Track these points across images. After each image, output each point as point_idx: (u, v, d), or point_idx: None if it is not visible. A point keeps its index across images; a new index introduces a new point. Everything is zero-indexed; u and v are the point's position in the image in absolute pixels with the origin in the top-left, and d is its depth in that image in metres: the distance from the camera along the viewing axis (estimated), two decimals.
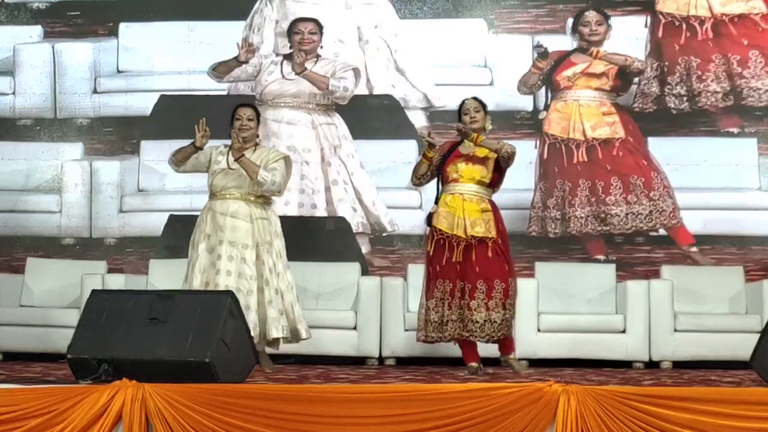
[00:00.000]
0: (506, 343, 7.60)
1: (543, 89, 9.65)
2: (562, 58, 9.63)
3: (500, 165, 7.53)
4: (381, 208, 9.66)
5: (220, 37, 9.78)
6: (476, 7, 9.90)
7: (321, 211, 9.58)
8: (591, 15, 9.64)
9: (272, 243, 7.50)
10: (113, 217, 10.01)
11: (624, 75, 9.56)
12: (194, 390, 5.64)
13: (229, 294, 6.38)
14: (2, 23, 10.23)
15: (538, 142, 9.60)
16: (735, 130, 9.60)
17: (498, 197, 7.71)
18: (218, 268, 7.37)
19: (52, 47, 10.19)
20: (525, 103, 9.76)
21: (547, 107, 9.63)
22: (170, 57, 10.09)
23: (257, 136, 7.69)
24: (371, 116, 9.83)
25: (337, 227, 9.62)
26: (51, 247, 9.96)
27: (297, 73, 9.39)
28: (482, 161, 7.52)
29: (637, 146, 9.54)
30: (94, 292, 6.59)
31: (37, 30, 10.25)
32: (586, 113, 9.55)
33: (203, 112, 9.07)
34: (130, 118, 10.08)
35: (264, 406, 5.58)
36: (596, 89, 9.55)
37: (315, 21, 9.64)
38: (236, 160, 7.42)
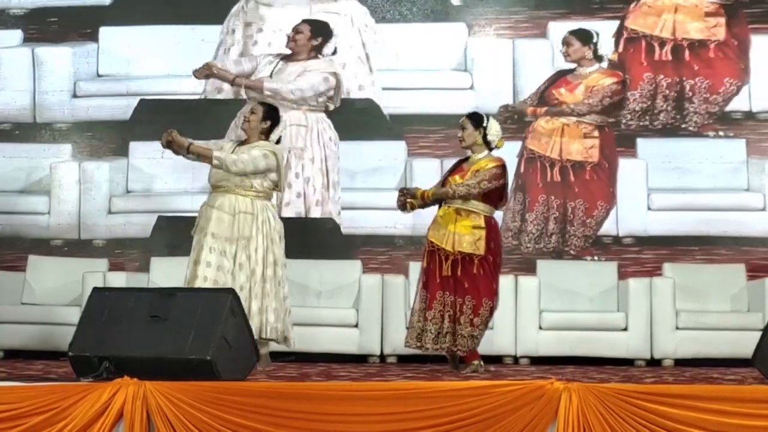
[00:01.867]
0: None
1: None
2: (561, 74, 9.69)
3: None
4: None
5: (199, 41, 9.85)
6: (458, 12, 9.91)
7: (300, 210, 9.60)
8: (565, 37, 9.68)
9: (251, 239, 7.40)
10: (102, 218, 10.01)
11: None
12: (195, 388, 5.64)
13: (230, 292, 6.38)
14: None
15: (521, 149, 9.64)
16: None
17: None
18: (199, 259, 7.34)
19: (32, 51, 10.20)
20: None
21: (534, 105, 9.66)
22: (151, 60, 10.08)
23: (264, 134, 7.60)
24: (357, 119, 9.85)
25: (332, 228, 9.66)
26: (40, 248, 9.92)
27: (231, 81, 9.61)
28: (475, 176, 7.46)
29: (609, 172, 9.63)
30: (95, 289, 6.59)
31: (17, 34, 10.25)
32: (567, 132, 9.57)
33: (183, 115, 9.22)
34: (111, 122, 10.07)
35: (265, 404, 5.58)
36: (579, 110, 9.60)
37: (305, 22, 9.71)
38: (187, 150, 7.36)
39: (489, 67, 9.83)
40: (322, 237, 9.61)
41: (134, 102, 10.00)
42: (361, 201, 9.79)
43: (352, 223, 9.72)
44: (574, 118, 9.63)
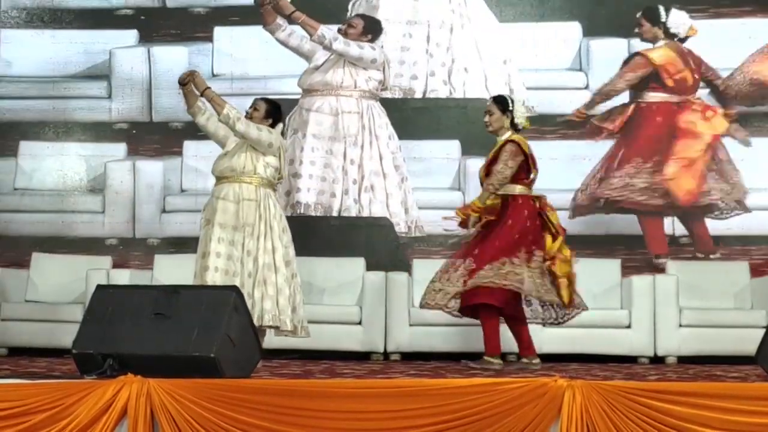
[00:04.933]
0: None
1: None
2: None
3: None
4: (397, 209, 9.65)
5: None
6: (571, 10, 9.91)
7: (338, 202, 9.53)
8: (637, 18, 9.67)
9: (255, 226, 7.41)
10: (156, 217, 10.03)
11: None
12: (199, 385, 5.64)
13: (233, 289, 6.38)
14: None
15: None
16: None
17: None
18: (208, 251, 7.34)
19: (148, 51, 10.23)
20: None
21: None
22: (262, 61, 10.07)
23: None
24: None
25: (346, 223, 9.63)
26: (94, 247, 9.93)
27: (288, 15, 9.40)
28: (497, 162, 7.56)
29: None
30: (99, 287, 6.60)
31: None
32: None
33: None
34: None
35: (269, 401, 5.58)
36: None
37: (359, 17, 9.67)
38: (202, 93, 7.38)
39: (605, 66, 9.81)
40: (375, 235, 9.57)
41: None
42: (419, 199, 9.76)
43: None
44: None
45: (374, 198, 9.54)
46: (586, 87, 9.84)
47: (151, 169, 10.09)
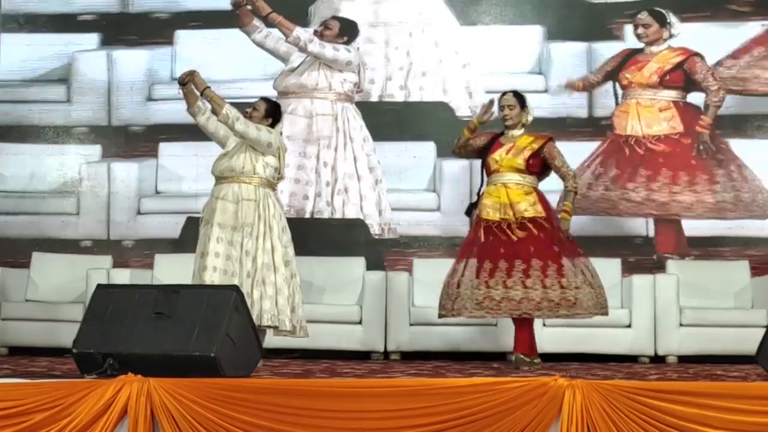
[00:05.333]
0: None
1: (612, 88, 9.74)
2: (628, 57, 9.67)
3: (545, 161, 7.63)
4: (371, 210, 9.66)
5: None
6: (533, 14, 9.90)
7: (310, 204, 9.54)
8: (640, 17, 9.68)
9: (254, 226, 7.39)
10: (130, 219, 10.02)
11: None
12: (199, 384, 5.64)
13: (234, 289, 6.38)
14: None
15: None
16: None
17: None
18: (207, 250, 7.33)
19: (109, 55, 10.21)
20: (579, 109, 9.77)
21: (598, 82, 9.72)
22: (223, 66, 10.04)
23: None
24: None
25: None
26: (69, 249, 9.90)
27: (265, 16, 9.42)
28: (521, 151, 7.58)
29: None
30: (99, 286, 6.60)
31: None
32: (643, 111, 9.58)
33: None
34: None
35: (269, 401, 5.58)
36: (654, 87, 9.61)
37: (336, 18, 9.71)
38: (202, 92, 7.40)
39: (563, 69, 9.82)
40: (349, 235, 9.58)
41: None
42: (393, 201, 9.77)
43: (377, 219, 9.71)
44: (648, 96, 9.63)
45: (348, 200, 9.57)
46: (546, 90, 9.84)
47: (126, 170, 10.08)
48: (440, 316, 7.70)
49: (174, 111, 9.38)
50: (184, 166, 9.87)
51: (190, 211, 9.68)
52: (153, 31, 10.18)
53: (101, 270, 9.12)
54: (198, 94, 7.49)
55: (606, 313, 7.61)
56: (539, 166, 7.64)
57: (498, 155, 7.61)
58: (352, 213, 9.57)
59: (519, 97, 7.72)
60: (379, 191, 9.66)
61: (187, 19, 10.17)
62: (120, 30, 10.23)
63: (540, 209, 7.53)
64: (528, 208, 7.50)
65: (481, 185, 7.74)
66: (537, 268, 7.42)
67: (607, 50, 9.76)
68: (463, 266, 7.58)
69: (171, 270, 8.91)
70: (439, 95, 9.82)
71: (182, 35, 10.18)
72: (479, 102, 9.39)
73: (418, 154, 9.81)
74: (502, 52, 9.87)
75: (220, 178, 7.49)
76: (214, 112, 7.44)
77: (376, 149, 9.69)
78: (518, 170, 7.57)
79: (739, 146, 9.59)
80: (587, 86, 9.77)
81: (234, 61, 9.91)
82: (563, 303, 7.42)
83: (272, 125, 7.52)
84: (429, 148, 9.80)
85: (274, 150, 7.44)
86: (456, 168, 9.58)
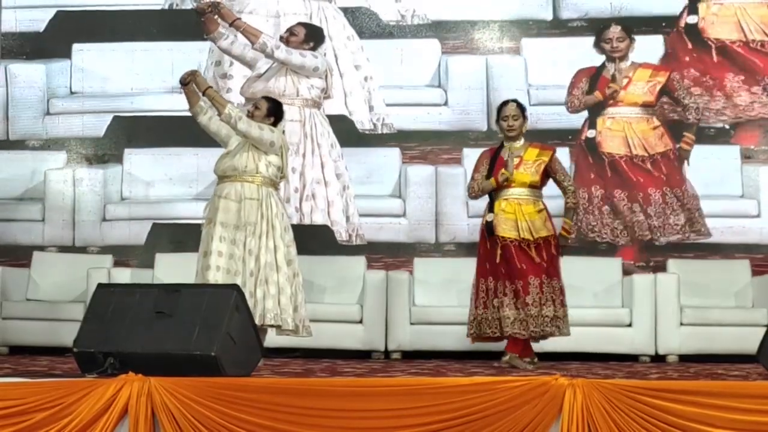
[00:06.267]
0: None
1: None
2: (597, 76, 9.63)
3: (548, 173, 7.63)
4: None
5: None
6: (429, 29, 9.92)
7: None
8: (612, 31, 9.64)
9: (257, 224, 7.37)
10: (95, 225, 10.03)
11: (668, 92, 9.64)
12: (200, 384, 5.64)
13: (234, 288, 6.38)
14: None
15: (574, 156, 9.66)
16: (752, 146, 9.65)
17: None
18: (210, 250, 7.33)
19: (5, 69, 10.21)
20: (478, 123, 9.77)
21: (592, 126, 9.65)
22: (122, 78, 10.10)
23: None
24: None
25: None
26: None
27: (230, 23, 9.41)
28: (531, 165, 7.55)
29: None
30: (100, 285, 6.59)
31: None
32: (637, 129, 9.59)
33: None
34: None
35: (270, 400, 5.58)
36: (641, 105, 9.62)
37: (301, 24, 9.73)
38: (203, 92, 7.38)
39: (463, 83, 9.86)
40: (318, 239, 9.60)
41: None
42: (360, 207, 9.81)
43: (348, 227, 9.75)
44: (636, 114, 9.60)
45: (315, 206, 9.57)
46: (446, 103, 9.86)
47: (91, 177, 10.08)
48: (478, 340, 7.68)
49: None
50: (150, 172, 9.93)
51: (156, 217, 9.83)
52: (51, 44, 10.18)
53: (102, 269, 9.13)
54: (200, 94, 7.49)
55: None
56: (545, 178, 7.64)
57: (509, 170, 7.53)
58: (319, 219, 9.60)
59: (523, 109, 7.69)
60: (346, 197, 9.68)
61: (85, 31, 10.15)
62: (17, 44, 10.25)
63: (550, 226, 7.53)
64: (541, 227, 7.49)
65: (491, 201, 7.61)
66: (536, 285, 7.46)
67: (504, 65, 9.82)
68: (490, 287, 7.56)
69: (172, 269, 8.91)
70: (341, 108, 9.87)
71: (80, 48, 10.17)
72: (381, 114, 9.67)
73: (385, 160, 9.85)
74: (402, 65, 9.93)
75: (222, 177, 7.48)
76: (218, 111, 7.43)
77: (343, 154, 9.73)
78: (530, 185, 7.55)
79: None
80: (573, 111, 9.74)
81: (133, 73, 10.01)
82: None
83: (274, 124, 7.52)
84: (394, 154, 9.82)
85: (276, 149, 7.44)
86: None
